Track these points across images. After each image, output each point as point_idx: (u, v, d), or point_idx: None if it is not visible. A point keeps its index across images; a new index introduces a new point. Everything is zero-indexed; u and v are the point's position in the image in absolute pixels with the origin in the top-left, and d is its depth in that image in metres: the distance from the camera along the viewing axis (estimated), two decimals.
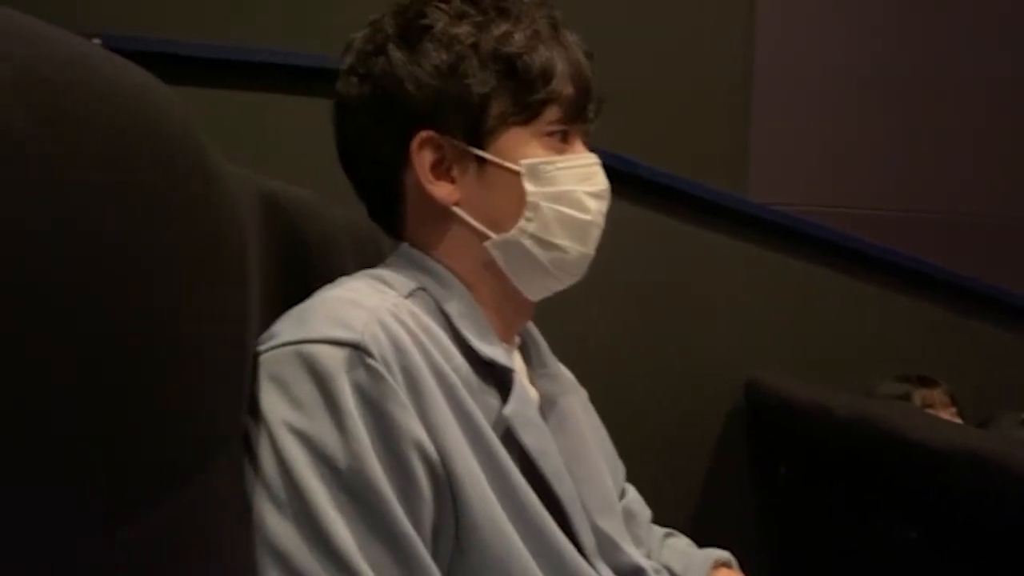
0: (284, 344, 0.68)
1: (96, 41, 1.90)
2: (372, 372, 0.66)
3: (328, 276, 0.84)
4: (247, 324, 0.60)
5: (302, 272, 0.87)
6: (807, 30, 2.39)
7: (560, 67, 0.80)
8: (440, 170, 0.80)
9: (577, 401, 0.94)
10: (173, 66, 1.73)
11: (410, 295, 0.77)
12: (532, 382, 0.88)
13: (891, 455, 1.41)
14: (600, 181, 0.84)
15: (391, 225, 0.86)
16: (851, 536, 1.60)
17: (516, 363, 0.85)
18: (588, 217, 0.82)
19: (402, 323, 0.70)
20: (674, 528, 1.08)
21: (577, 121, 0.83)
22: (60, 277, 0.37)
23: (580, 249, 0.82)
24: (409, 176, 0.81)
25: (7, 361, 0.35)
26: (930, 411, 1.86)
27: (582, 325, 1.71)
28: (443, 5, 0.80)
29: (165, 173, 0.44)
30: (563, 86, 0.80)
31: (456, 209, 0.80)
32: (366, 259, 1.06)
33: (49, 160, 0.34)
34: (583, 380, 1.01)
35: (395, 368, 0.67)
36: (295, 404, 0.65)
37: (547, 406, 0.86)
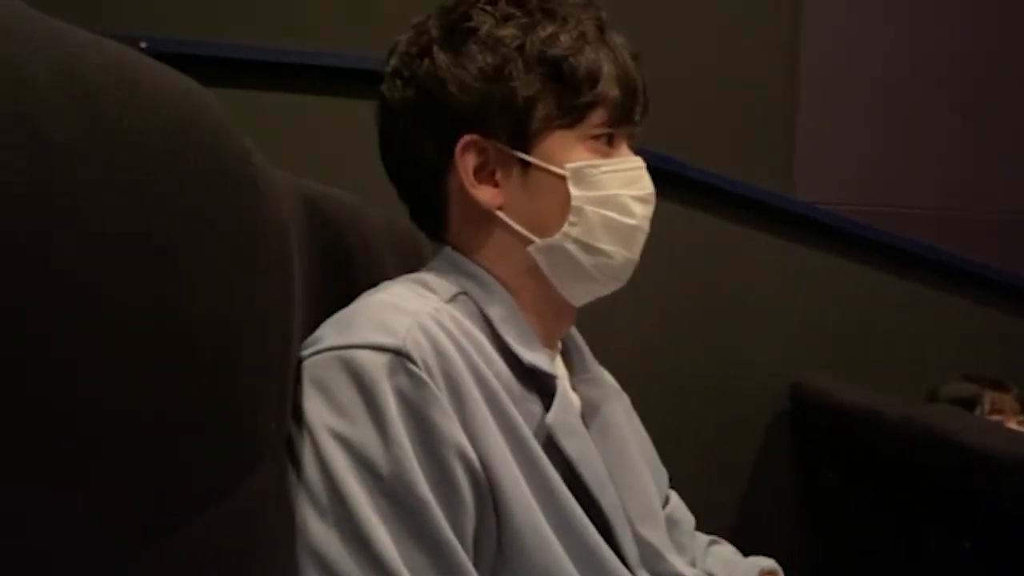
0: (327, 349, 0.68)
1: (142, 45, 1.90)
2: (414, 378, 0.65)
3: (370, 279, 0.83)
4: (291, 329, 0.60)
5: (344, 276, 0.87)
6: (854, 28, 2.35)
7: (606, 69, 0.79)
8: (483, 174, 0.79)
9: (620, 407, 0.92)
10: (215, 68, 1.75)
11: (452, 299, 0.76)
12: (574, 388, 0.86)
13: (943, 461, 1.37)
14: (646, 185, 0.82)
15: (434, 228, 0.86)
16: (901, 545, 1.56)
17: (558, 369, 0.84)
18: (634, 222, 0.80)
19: (443, 328, 0.70)
20: (718, 534, 1.06)
21: (623, 124, 0.81)
22: (102, 283, 0.37)
23: (625, 254, 0.81)
24: (452, 180, 0.80)
25: (48, 365, 0.35)
26: (998, 417, 1.81)
27: (624, 326, 1.70)
28: (488, 7, 0.79)
29: (209, 179, 0.44)
30: (609, 88, 0.79)
31: (499, 213, 0.79)
32: (406, 259, 1.06)
33: (93, 169, 0.34)
34: (624, 382, 0.99)
35: (437, 373, 0.67)
36: (338, 409, 0.65)
37: (589, 412, 0.85)
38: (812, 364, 1.99)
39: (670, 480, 1.03)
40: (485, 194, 0.79)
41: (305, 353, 0.68)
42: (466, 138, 0.78)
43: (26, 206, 0.29)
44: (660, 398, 1.71)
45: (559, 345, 0.87)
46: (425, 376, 0.66)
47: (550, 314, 0.83)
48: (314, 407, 0.66)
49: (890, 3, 2.39)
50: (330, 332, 0.70)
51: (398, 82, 0.81)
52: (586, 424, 0.82)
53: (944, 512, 1.45)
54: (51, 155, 0.30)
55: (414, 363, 0.66)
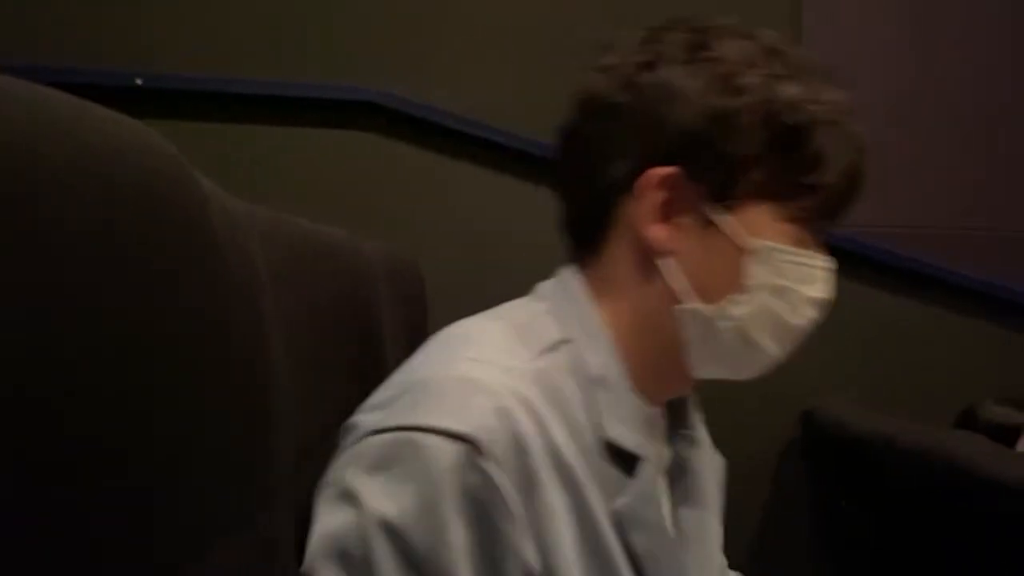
0: (395, 428, 0.61)
1: (138, 82, 1.87)
2: (484, 477, 0.59)
3: (359, 318, 0.78)
4: (268, 410, 0.54)
5: (332, 313, 0.83)
6: (859, 46, 2.31)
7: (838, 156, 0.71)
8: (664, 213, 0.71)
9: (712, 475, 0.85)
10: (207, 103, 1.72)
11: (552, 349, 0.69)
12: (669, 437, 0.80)
13: (964, 492, 1.33)
14: (828, 289, 0.74)
15: (582, 243, 0.77)
16: None
17: (657, 419, 0.77)
18: (801, 323, 0.73)
19: (526, 404, 0.63)
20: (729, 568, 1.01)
21: (830, 217, 0.73)
22: (46, 352, 0.33)
23: (777, 352, 0.74)
24: (630, 204, 0.72)
25: (48, 419, 0.32)
26: None
27: None
28: (742, 41, 0.71)
29: (162, 244, 0.39)
30: (834, 177, 0.71)
31: (663, 260, 0.71)
32: (402, 290, 1.03)
33: (27, 240, 0.30)
34: None
35: (511, 467, 0.60)
36: (394, 498, 0.58)
37: (678, 473, 0.78)
38: (824, 391, 1.93)
39: None
40: (660, 234, 0.71)
41: (369, 425, 0.62)
42: (668, 170, 0.69)
43: None
44: None
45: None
46: (496, 474, 0.59)
47: (664, 379, 0.75)
48: (371, 491, 0.59)
49: (898, 17, 2.35)
50: (400, 404, 0.63)
51: (615, 82, 0.72)
52: (672, 483, 0.76)
53: (967, 545, 1.40)
54: None
55: (486, 457, 0.59)
